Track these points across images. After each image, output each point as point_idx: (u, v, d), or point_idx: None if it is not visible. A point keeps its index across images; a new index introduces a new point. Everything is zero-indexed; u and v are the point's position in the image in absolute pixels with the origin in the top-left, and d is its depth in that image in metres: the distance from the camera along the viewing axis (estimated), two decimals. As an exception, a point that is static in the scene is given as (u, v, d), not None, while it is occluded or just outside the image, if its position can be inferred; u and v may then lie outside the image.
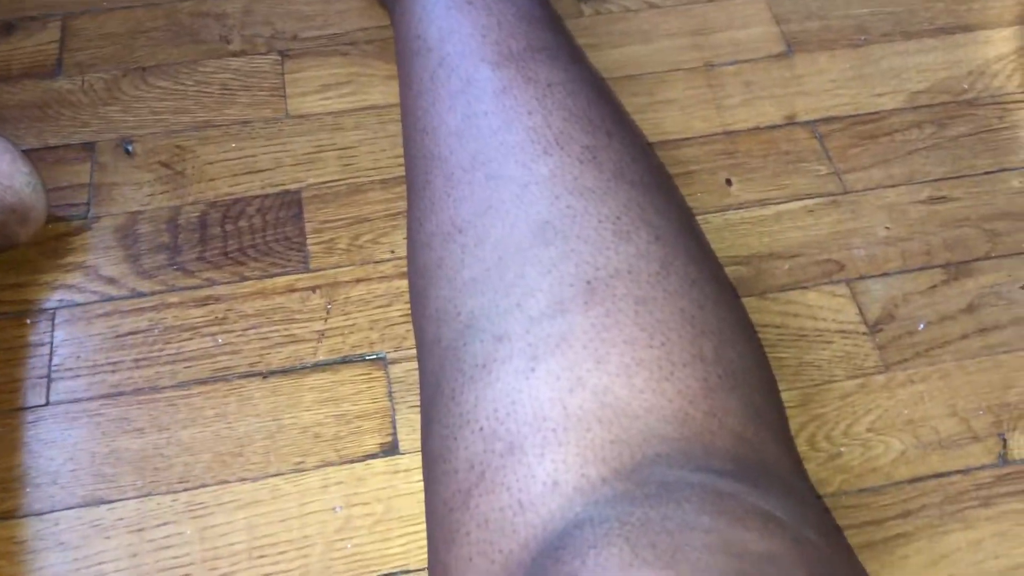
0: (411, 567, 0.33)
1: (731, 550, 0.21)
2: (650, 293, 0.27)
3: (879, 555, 0.33)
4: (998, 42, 0.47)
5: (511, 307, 0.28)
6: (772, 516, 0.22)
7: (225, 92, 0.45)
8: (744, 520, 0.22)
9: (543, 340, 0.27)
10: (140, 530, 0.34)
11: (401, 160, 0.43)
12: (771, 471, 0.25)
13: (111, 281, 0.39)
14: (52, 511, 0.34)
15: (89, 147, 0.44)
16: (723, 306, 0.29)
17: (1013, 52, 0.47)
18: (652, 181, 0.32)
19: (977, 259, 0.40)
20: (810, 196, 0.42)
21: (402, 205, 0.42)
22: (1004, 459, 0.35)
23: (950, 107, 0.45)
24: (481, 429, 0.26)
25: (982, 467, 0.35)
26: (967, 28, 0.48)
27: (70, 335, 0.38)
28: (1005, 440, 0.35)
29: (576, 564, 0.22)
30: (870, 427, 0.36)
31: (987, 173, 0.43)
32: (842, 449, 0.35)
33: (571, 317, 0.27)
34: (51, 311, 0.39)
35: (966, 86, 0.46)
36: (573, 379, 0.26)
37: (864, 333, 0.38)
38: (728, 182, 0.43)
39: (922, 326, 0.38)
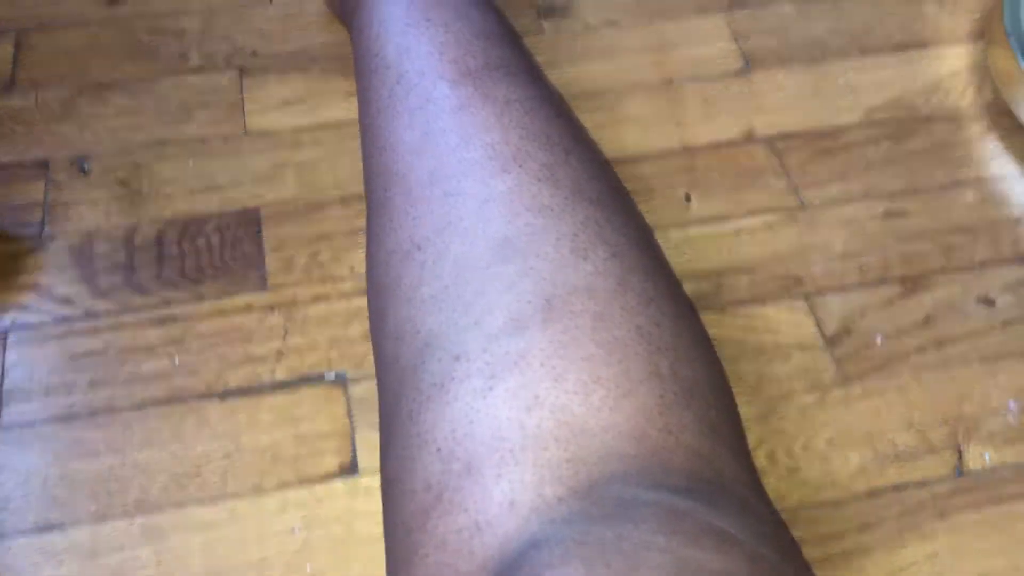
0: (371, 588, 0.33)
1: (686, 569, 0.21)
2: (607, 310, 0.27)
3: (837, 569, 0.33)
4: (951, 58, 0.48)
5: (469, 325, 0.28)
6: (727, 534, 0.22)
7: (183, 109, 0.45)
8: (699, 539, 0.22)
9: (501, 358, 0.27)
10: (94, 555, 0.33)
11: (361, 177, 0.43)
12: (727, 487, 0.25)
13: (66, 301, 0.39)
14: (2, 537, 0.33)
15: (43, 165, 0.43)
16: (680, 323, 0.29)
17: (966, 68, 0.48)
18: (610, 199, 0.32)
19: (933, 272, 0.41)
20: (768, 211, 0.42)
21: (362, 222, 0.41)
22: (960, 471, 0.35)
23: (906, 123, 0.46)
24: (439, 450, 0.26)
25: (939, 479, 0.35)
26: (922, 44, 0.49)
27: (22, 357, 0.37)
28: (961, 452, 0.36)
29: (532, 585, 0.21)
30: (829, 441, 0.36)
31: (942, 188, 0.43)
32: (801, 463, 0.35)
33: (529, 334, 0.27)
34: (3, 332, 0.38)
35: (921, 101, 0.46)
36: (531, 397, 0.26)
37: (822, 347, 0.38)
38: (687, 198, 0.43)
39: (879, 340, 0.39)
